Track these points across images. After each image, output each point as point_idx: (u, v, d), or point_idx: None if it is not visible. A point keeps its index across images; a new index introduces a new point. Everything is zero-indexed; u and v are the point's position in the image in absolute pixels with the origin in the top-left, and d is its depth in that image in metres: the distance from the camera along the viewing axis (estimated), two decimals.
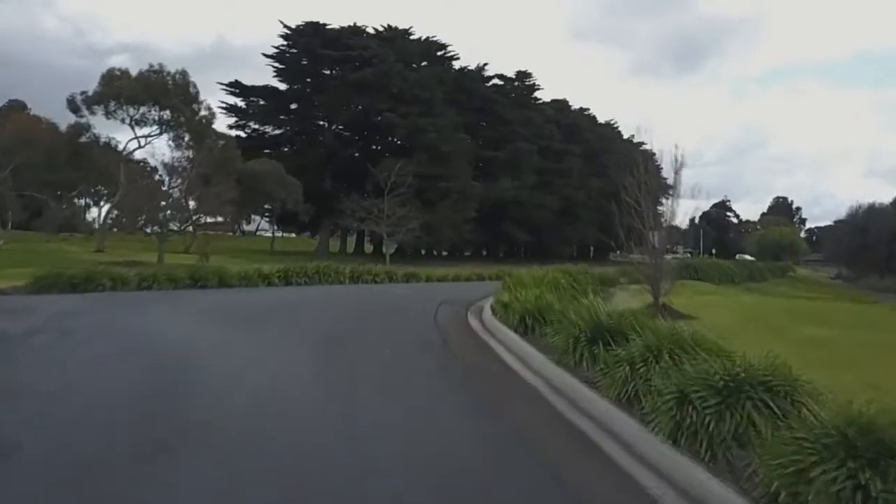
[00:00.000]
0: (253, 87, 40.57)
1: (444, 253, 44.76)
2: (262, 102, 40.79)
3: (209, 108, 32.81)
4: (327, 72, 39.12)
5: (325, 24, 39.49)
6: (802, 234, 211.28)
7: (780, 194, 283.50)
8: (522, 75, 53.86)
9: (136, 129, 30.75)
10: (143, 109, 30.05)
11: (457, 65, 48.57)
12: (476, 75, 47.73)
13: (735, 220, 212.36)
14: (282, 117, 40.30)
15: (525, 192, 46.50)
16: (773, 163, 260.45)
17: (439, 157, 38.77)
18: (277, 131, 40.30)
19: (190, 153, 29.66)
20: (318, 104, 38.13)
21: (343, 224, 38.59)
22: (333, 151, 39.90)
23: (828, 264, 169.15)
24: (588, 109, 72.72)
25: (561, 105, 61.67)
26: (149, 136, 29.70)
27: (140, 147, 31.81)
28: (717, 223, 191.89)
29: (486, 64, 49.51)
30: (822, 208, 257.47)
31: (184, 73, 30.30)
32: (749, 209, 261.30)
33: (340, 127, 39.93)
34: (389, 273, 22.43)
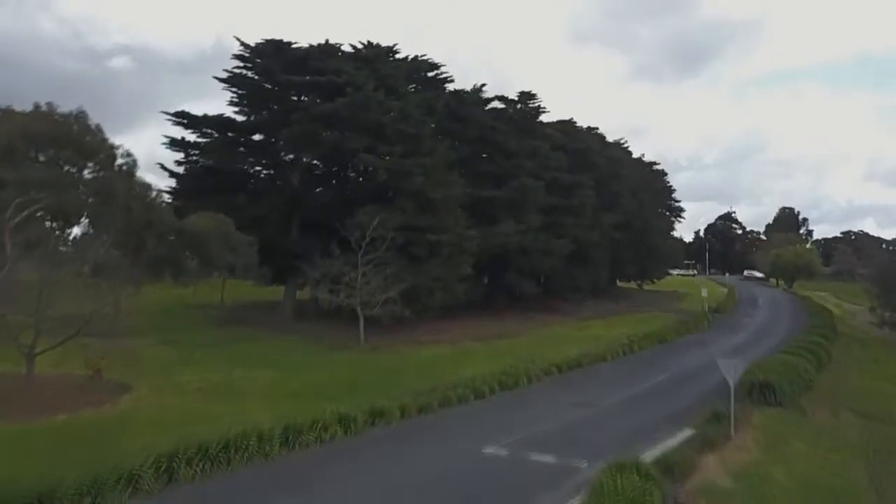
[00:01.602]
0: (204, 118, 33.48)
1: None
2: (216, 135, 33.68)
3: (129, 155, 25.90)
4: (293, 99, 31.97)
5: (289, 43, 32.34)
6: (809, 245, 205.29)
7: (779, 198, 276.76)
8: (526, 97, 46.90)
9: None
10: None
11: (451, 85, 41.81)
12: (473, 99, 40.75)
13: (740, 231, 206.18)
14: (238, 154, 33.15)
15: (530, 236, 39.51)
16: (772, 166, 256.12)
17: (428, 205, 31.77)
18: (234, 170, 33.00)
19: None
20: (281, 141, 31.02)
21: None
22: (300, 196, 32.84)
23: (839, 279, 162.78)
24: (596, 128, 66.33)
25: (567, 127, 54.83)
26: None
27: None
28: (723, 236, 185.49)
29: (483, 85, 42.58)
30: (820, 211, 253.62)
31: (83, 114, 23.49)
32: (748, 212, 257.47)
33: (312, 162, 32.86)
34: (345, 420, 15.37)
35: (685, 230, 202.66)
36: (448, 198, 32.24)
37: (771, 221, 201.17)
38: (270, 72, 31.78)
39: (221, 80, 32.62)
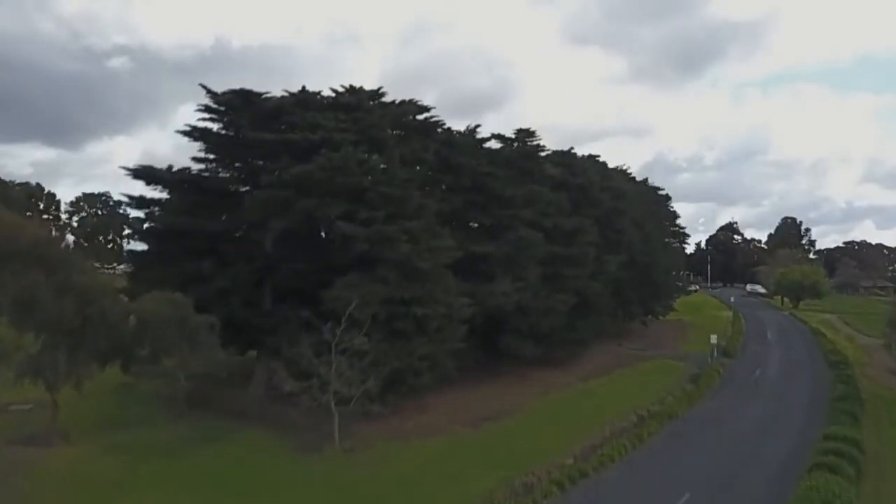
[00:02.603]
0: (168, 172, 30.13)
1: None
2: (180, 192, 30.31)
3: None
4: (262, 159, 28.64)
5: (260, 94, 28.98)
6: (812, 255, 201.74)
7: (778, 199, 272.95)
8: (524, 134, 43.68)
9: None
10: None
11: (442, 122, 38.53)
12: (466, 141, 37.45)
13: (741, 241, 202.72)
14: (204, 215, 29.76)
15: (529, 294, 36.24)
16: (772, 168, 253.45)
17: (415, 274, 28.48)
18: (199, 232, 29.61)
19: None
20: (249, 206, 27.66)
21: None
22: (272, 262, 29.53)
23: (843, 291, 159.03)
24: (598, 156, 63.19)
25: (567, 160, 51.58)
26: None
27: None
28: (725, 247, 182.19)
29: (477, 126, 39.39)
30: (820, 212, 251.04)
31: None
32: (748, 213, 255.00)
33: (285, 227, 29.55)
34: None
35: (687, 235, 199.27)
36: (438, 266, 28.95)
37: (773, 231, 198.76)
38: (238, 126, 28.47)
39: (185, 133, 29.32)
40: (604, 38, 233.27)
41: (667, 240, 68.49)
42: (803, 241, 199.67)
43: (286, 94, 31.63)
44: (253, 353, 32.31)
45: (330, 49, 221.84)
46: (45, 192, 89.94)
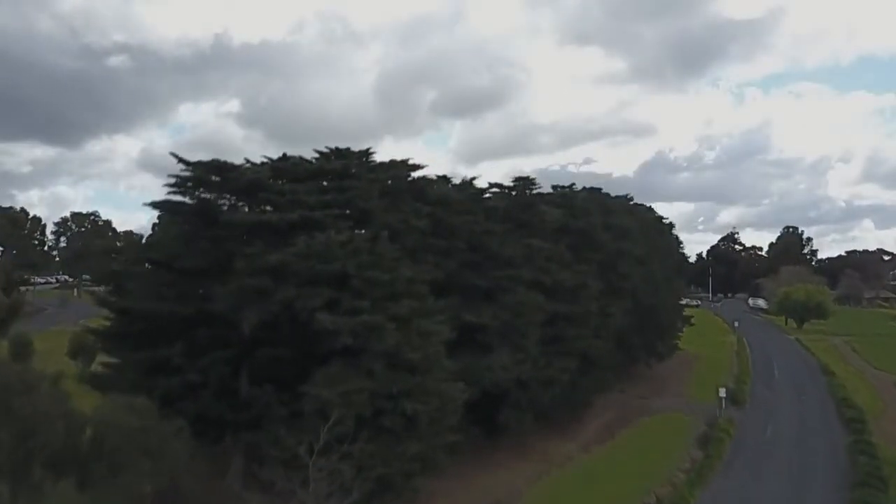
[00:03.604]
0: (137, 248, 27.67)
1: None
2: (155, 268, 27.81)
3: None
4: (236, 242, 26.11)
5: (236, 166, 26.40)
6: (814, 263, 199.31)
7: (778, 199, 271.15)
8: (524, 183, 41.38)
9: None
10: None
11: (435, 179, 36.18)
12: (461, 200, 35.04)
13: (742, 250, 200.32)
14: (174, 297, 27.25)
15: (529, 366, 33.83)
16: (771, 167, 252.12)
17: (404, 364, 26.04)
18: (169, 316, 27.11)
19: None
20: (220, 296, 25.19)
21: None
22: (249, 349, 27.07)
23: (845, 303, 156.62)
24: (600, 189, 60.85)
25: (568, 200, 49.11)
26: None
27: None
28: (726, 259, 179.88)
29: (474, 178, 37.10)
30: (819, 212, 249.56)
31: None
32: (747, 213, 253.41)
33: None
34: None
35: (688, 245, 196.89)
36: (429, 354, 26.51)
37: (774, 240, 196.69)
38: (210, 205, 25.99)
39: (154, 206, 26.88)
40: (604, 37, 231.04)
41: (669, 277, 66.00)
42: (805, 251, 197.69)
43: (267, 160, 29.19)
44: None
45: (330, 47, 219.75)
46: (31, 216, 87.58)
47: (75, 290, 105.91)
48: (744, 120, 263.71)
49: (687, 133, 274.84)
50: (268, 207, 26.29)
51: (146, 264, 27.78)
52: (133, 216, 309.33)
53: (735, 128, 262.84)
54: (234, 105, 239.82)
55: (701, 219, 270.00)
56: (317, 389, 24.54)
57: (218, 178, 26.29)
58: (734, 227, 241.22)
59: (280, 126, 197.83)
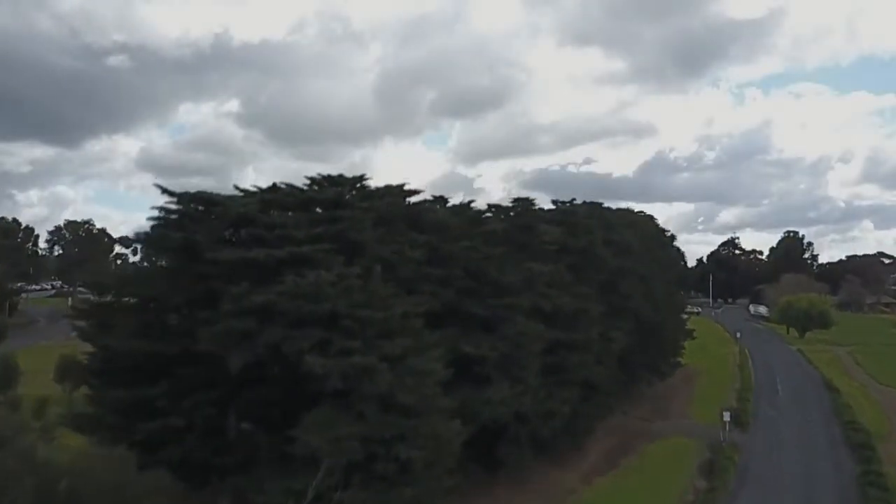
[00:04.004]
0: (118, 284, 26.45)
1: None
2: (138, 305, 26.60)
3: None
4: (221, 280, 24.93)
5: (221, 199, 25.05)
6: (815, 268, 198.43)
7: (777, 199, 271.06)
8: (523, 203, 40.24)
9: None
10: None
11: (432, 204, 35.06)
12: (459, 225, 33.91)
13: (742, 254, 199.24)
14: (158, 336, 26.06)
15: (529, 399, 32.68)
16: (771, 167, 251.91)
17: (397, 407, 24.89)
18: (153, 355, 25.93)
19: None
20: (204, 338, 24.01)
21: None
22: (237, 389, 25.90)
23: (847, 309, 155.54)
24: (600, 204, 59.71)
25: (568, 217, 47.97)
26: None
27: None
28: (726, 264, 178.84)
29: (471, 201, 35.94)
30: (819, 212, 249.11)
31: None
32: (746, 213, 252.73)
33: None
34: None
35: (689, 250, 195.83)
36: (425, 397, 25.35)
37: (775, 245, 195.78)
38: (194, 243, 24.77)
39: (132, 240, 25.72)
40: (605, 38, 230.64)
41: (671, 292, 64.92)
42: (805, 255, 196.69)
43: (255, 188, 28.04)
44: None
45: (330, 47, 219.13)
46: (23, 226, 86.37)
47: (69, 298, 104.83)
48: (744, 120, 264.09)
49: (687, 133, 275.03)
50: (256, 242, 25.07)
51: (130, 298, 26.54)
52: (132, 216, 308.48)
53: (735, 128, 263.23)
54: (233, 105, 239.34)
55: (701, 219, 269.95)
56: (306, 435, 23.38)
57: (203, 211, 25.10)
58: (734, 232, 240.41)
59: (280, 126, 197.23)
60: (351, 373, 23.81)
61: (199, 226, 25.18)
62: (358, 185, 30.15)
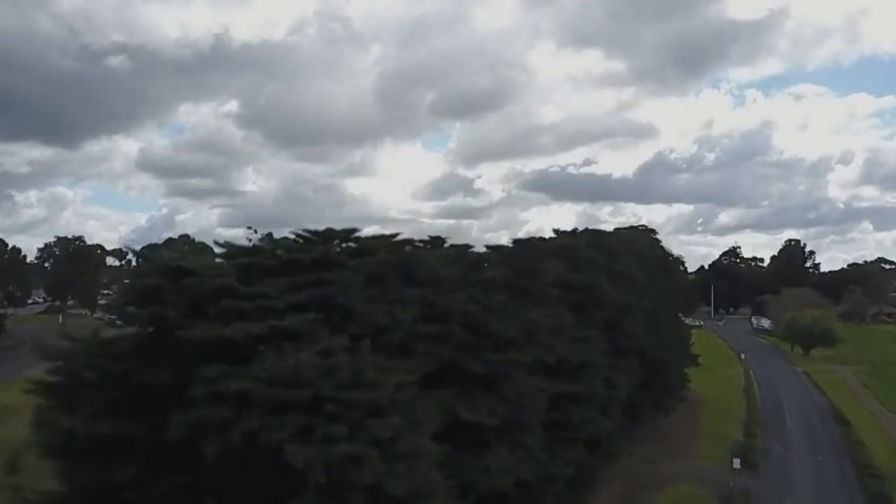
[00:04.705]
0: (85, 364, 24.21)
1: None
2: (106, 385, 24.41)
3: None
4: (195, 361, 22.79)
5: (195, 274, 22.84)
6: (816, 276, 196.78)
7: (776, 199, 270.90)
8: (523, 244, 38.12)
9: None
10: None
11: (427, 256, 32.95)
12: (455, 276, 31.78)
13: (742, 263, 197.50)
14: (127, 415, 23.88)
15: (531, 465, 30.57)
16: (771, 168, 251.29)
17: (387, 498, 22.72)
18: (122, 436, 23.71)
19: None
20: (174, 427, 21.86)
21: None
22: (213, 476, 23.66)
23: (849, 320, 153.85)
24: (602, 230, 57.79)
25: (571, 254, 45.87)
26: None
27: None
28: (728, 274, 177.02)
29: (469, 247, 33.86)
30: (818, 213, 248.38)
31: None
32: (746, 214, 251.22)
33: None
34: None
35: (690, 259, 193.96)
36: (416, 485, 23.19)
37: (776, 253, 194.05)
38: (166, 317, 22.59)
39: (109, 314, 23.48)
40: (605, 39, 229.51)
41: (678, 323, 62.90)
42: (807, 264, 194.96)
43: (236, 248, 25.86)
44: None
45: (330, 47, 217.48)
46: (10, 247, 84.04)
47: (60, 315, 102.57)
48: (744, 121, 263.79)
49: (687, 134, 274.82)
50: (234, 315, 22.88)
51: (97, 373, 24.30)
52: (132, 217, 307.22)
53: (735, 129, 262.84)
54: (233, 105, 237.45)
55: (700, 220, 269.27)
56: None
57: (175, 284, 22.89)
58: (734, 234, 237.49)
59: (280, 127, 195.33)
60: (336, 463, 21.66)
61: (173, 296, 22.96)
62: (347, 238, 27.99)
